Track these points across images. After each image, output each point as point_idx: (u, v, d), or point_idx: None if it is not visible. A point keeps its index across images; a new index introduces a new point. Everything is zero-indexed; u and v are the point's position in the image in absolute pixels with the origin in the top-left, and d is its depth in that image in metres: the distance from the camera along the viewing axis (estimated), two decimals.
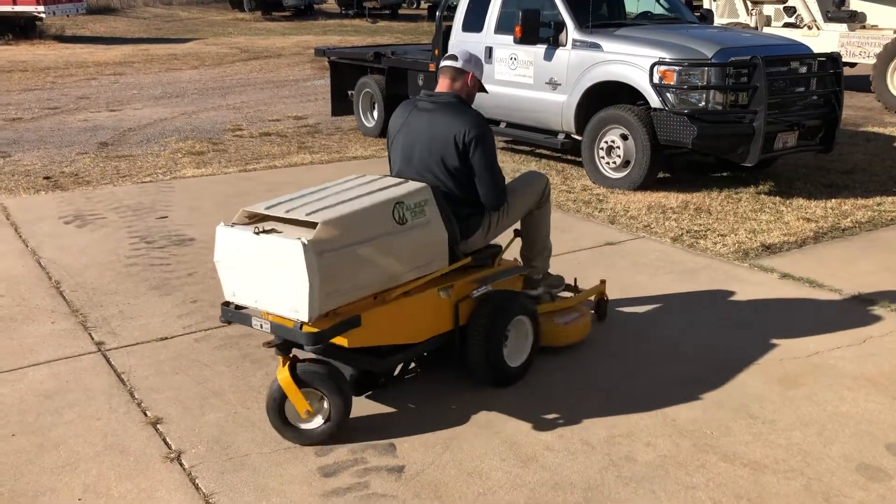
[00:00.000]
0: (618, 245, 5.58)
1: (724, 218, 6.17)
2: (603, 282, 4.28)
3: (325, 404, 3.10)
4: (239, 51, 20.47)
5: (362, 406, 3.40)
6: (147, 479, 2.91)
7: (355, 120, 9.96)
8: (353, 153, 8.67)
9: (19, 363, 3.78)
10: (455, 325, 3.47)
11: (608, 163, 7.10)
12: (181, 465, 3.00)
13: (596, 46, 7.09)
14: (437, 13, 9.00)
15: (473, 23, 8.29)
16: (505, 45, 7.87)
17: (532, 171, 4.03)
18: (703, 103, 6.55)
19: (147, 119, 10.68)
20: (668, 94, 6.59)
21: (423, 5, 39.83)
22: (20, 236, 5.68)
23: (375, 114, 9.56)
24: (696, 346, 4.02)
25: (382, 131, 9.43)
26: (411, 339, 3.35)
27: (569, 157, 8.25)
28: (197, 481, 2.90)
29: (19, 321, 4.25)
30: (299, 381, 3.05)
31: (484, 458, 3.06)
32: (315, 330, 2.91)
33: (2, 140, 9.33)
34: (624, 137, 6.91)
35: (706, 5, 14.74)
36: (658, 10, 8.58)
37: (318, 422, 3.12)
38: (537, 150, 8.66)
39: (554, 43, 7.39)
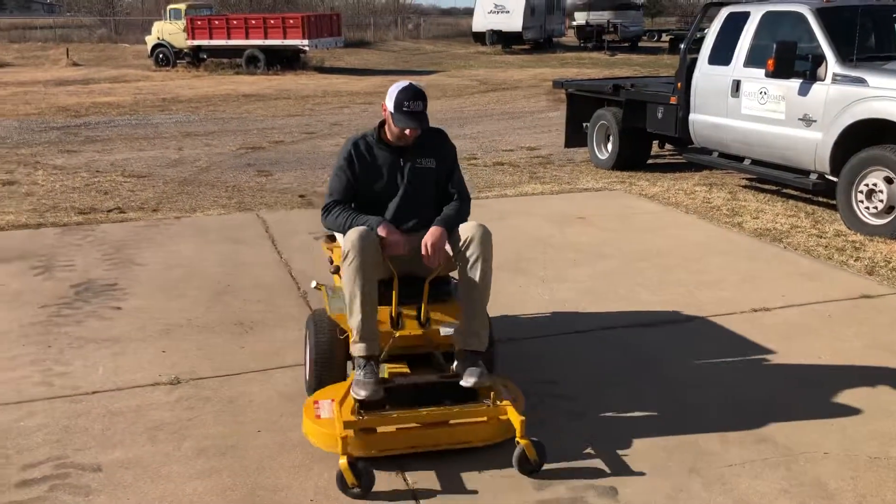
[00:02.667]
0: (877, 299, 5.03)
1: None
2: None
3: None
4: (478, 83, 21.21)
5: (583, 444, 3.31)
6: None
7: (588, 152, 9.91)
8: (584, 184, 8.61)
9: (268, 364, 4.11)
10: None
11: (868, 208, 6.46)
12: (404, 479, 3.08)
13: (860, 81, 6.51)
14: (683, 45, 8.74)
15: (721, 55, 7.96)
16: (755, 79, 7.46)
17: (353, 231, 3.26)
18: None
19: None
20: None
21: (665, 38, 39.03)
22: (276, 248, 6.21)
23: (609, 146, 9.45)
24: None
25: (616, 164, 9.30)
26: None
27: (820, 199, 7.62)
28: (418, 496, 2.97)
29: (271, 326, 4.63)
30: None
31: None
32: None
33: (266, 161, 10.33)
34: (888, 181, 6.27)
35: None
36: None
37: None
38: (784, 190, 8.10)
39: (811, 77, 6.88)
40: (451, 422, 3.19)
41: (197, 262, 5.85)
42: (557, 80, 11.11)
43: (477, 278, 3.28)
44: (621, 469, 3.14)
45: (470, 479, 3.08)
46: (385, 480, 3.06)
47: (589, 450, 3.28)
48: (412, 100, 3.33)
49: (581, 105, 10.05)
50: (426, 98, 3.39)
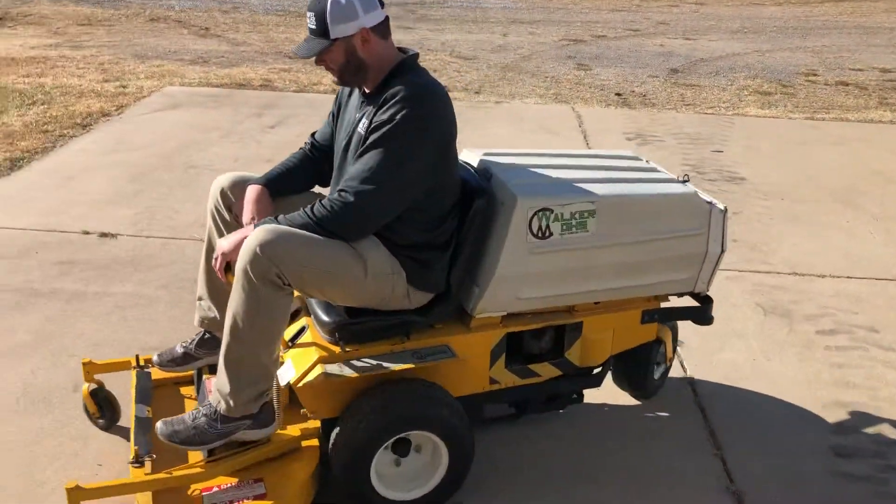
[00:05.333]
0: None
1: None
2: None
3: None
4: None
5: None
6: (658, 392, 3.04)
7: None
8: None
9: None
10: None
11: None
12: (693, 391, 3.05)
13: None
14: None
15: None
16: None
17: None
18: None
19: (719, 52, 10.62)
20: None
21: None
22: (587, 143, 6.22)
23: None
24: None
25: None
26: None
27: None
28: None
29: None
30: None
31: None
32: None
33: (586, 55, 10.22)
34: None
35: None
36: None
37: None
38: None
39: None
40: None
41: (511, 147, 6.05)
42: None
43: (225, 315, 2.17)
44: None
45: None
46: None
47: None
48: (307, 12, 2.19)
49: None
50: (323, 10, 2.13)
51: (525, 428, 2.76)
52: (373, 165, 2.11)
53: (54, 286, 3.65)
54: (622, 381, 2.95)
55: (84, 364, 2.62)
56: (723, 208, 2.58)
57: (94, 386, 2.65)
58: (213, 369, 2.41)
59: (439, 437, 2.29)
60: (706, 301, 2.78)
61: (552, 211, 2.30)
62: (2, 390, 2.73)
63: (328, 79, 8.03)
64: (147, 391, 2.54)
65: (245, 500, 2.18)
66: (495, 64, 9.38)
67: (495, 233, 2.33)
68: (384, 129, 2.11)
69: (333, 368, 2.21)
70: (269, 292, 2.07)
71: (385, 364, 2.24)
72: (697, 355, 3.30)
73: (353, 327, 2.27)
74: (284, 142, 5.87)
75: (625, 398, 2.98)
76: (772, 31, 12.65)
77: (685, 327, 3.47)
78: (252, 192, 2.35)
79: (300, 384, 2.21)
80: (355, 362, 2.23)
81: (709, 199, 2.58)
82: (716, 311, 2.79)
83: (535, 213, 2.29)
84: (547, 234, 2.32)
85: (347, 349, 2.27)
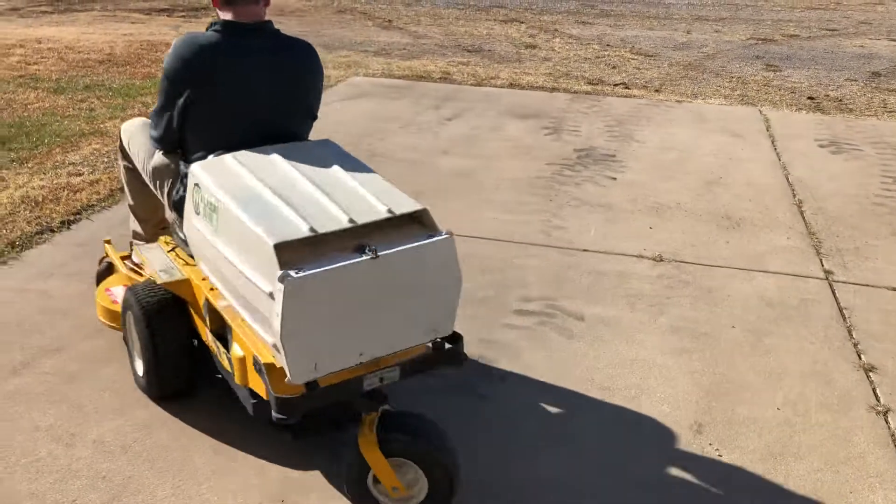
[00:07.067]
0: None
1: None
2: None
3: None
4: None
5: None
6: (846, 420, 2.84)
7: None
8: None
9: (751, 265, 4.01)
10: None
11: None
12: (886, 422, 2.83)
13: None
14: None
15: None
16: None
17: None
18: None
19: None
20: None
21: None
22: (775, 149, 5.90)
23: None
24: None
25: None
26: None
27: None
28: None
29: (758, 227, 4.48)
30: None
31: None
32: None
33: (776, 55, 9.69)
34: None
35: None
36: None
37: None
38: None
39: None
40: None
41: (692, 148, 5.85)
42: None
43: None
44: None
45: None
46: None
47: None
48: None
49: None
50: None
51: (703, 444, 2.66)
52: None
53: None
54: None
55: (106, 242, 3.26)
56: (286, 280, 1.77)
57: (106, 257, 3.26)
58: None
59: (137, 334, 2.64)
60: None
61: (200, 189, 2.28)
62: None
63: (505, 73, 8.09)
64: None
65: (110, 297, 2.97)
66: (677, 62, 9.09)
67: None
68: None
69: (135, 250, 2.98)
70: (123, 160, 3.02)
71: (142, 260, 2.83)
72: (895, 384, 3.05)
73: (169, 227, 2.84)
74: (461, 134, 5.97)
75: (819, 416, 2.80)
76: None
77: (876, 348, 3.24)
78: None
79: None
80: (146, 249, 2.85)
81: (301, 270, 1.80)
82: None
83: (195, 185, 2.31)
84: (199, 210, 2.29)
85: (165, 241, 2.84)
